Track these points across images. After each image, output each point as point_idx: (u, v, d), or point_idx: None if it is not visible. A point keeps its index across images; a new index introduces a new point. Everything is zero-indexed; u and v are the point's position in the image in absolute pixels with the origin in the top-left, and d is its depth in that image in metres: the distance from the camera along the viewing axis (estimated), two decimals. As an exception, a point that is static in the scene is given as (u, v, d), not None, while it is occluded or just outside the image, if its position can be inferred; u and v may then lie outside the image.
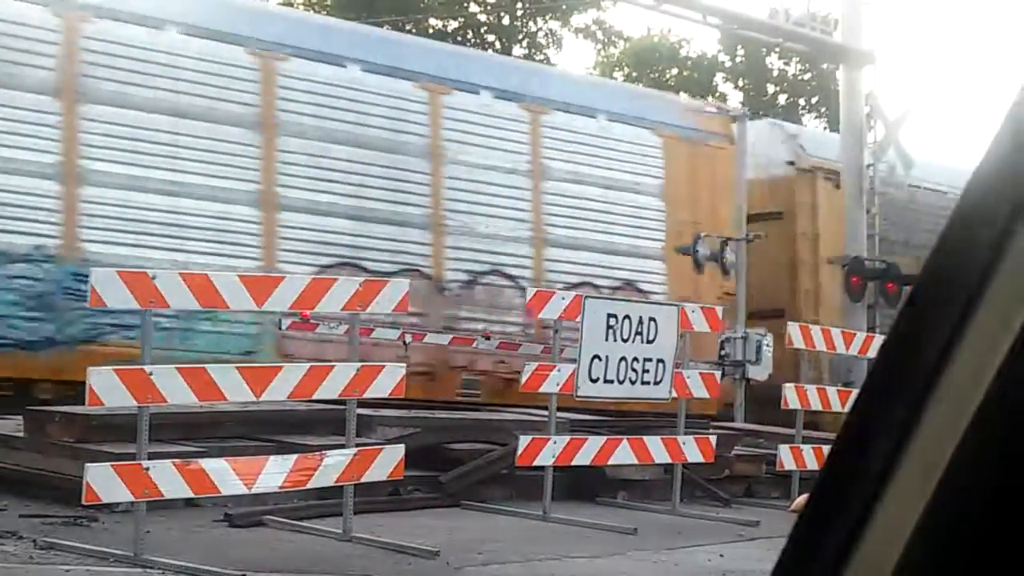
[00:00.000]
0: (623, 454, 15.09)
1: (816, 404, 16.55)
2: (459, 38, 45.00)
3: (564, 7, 46.85)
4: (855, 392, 1.47)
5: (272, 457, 11.83)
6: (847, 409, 1.52)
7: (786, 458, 16.11)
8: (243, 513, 12.81)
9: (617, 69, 51.09)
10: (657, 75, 50.87)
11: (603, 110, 22.37)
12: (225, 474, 11.17)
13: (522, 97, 21.79)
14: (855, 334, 18.41)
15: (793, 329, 16.99)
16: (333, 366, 12.24)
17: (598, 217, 21.90)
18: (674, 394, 15.27)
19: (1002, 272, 1.39)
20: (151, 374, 10.64)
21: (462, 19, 46.96)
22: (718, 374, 17.17)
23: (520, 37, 48.29)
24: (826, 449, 15.05)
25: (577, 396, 14.57)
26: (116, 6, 17.85)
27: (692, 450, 15.56)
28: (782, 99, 52.38)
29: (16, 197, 16.99)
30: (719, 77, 52.62)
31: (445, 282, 20.47)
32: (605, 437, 15.22)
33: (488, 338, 21.23)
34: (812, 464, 15.97)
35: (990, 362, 1.38)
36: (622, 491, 16.32)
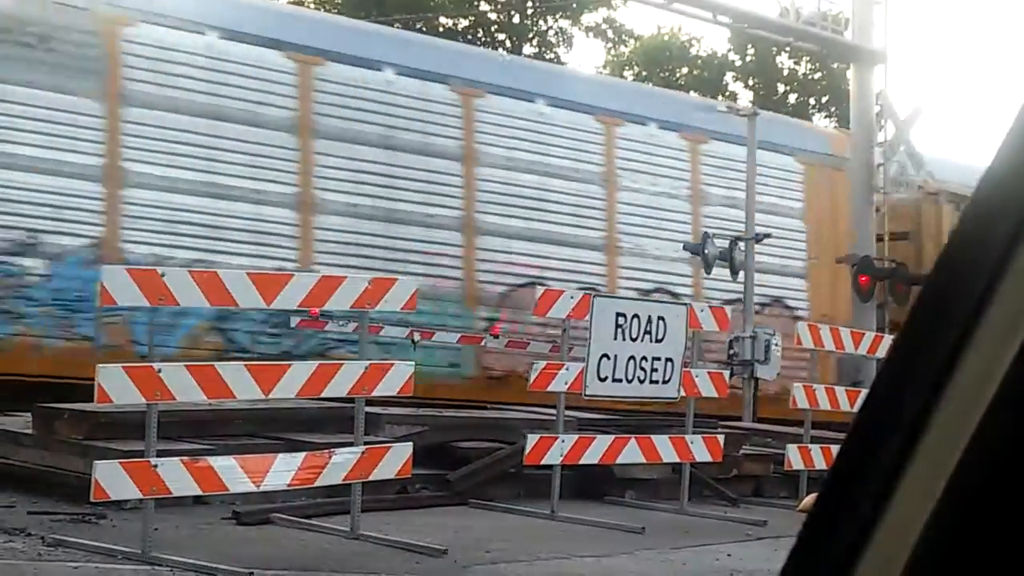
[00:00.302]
0: (631, 453, 15.08)
1: (825, 404, 16.53)
2: (469, 36, 45.01)
3: (575, 5, 46.86)
4: (864, 392, 1.46)
5: (280, 455, 11.83)
6: (856, 409, 1.52)
7: (794, 458, 16.10)
8: (251, 511, 12.82)
9: (627, 68, 51.07)
10: (667, 74, 50.85)
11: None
12: (233, 472, 11.18)
13: (683, 127, 24.15)
14: (864, 334, 18.40)
15: (802, 329, 17.01)
16: (341, 364, 12.25)
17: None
18: (683, 393, 15.26)
19: (1012, 272, 1.39)
20: (160, 371, 10.64)
21: (472, 17, 46.98)
22: (726, 373, 17.16)
23: (530, 35, 48.30)
24: (834, 449, 15.08)
25: (585, 395, 14.56)
26: (341, 49, 20.64)
27: (700, 449, 15.55)
28: (792, 98, 52.34)
29: (266, 225, 19.56)
30: (729, 76, 52.58)
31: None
32: (613, 436, 15.21)
33: (496, 336, 21.27)
34: (820, 464, 15.96)
35: (1000, 362, 1.37)
36: (630, 490, 16.32)
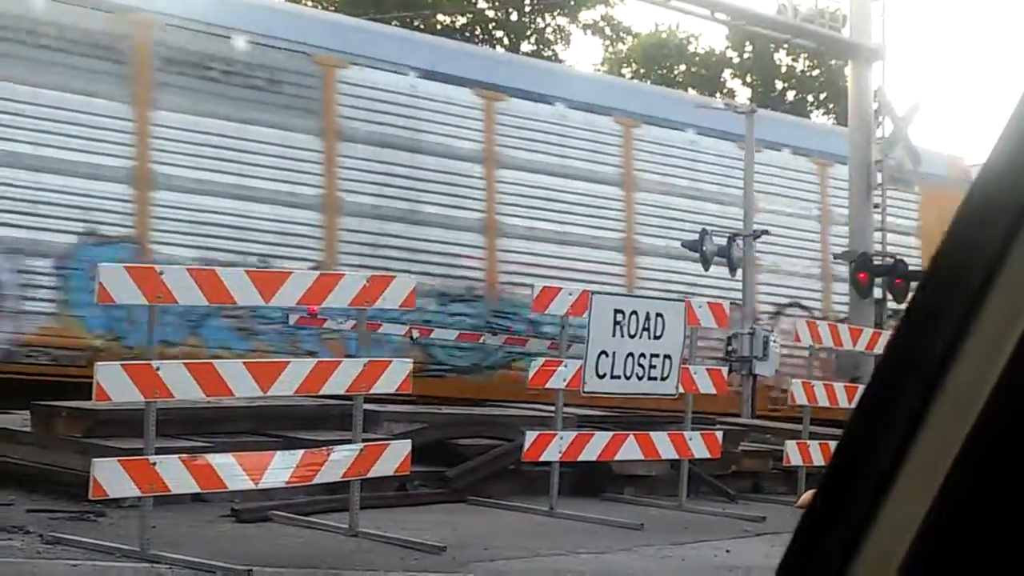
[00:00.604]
0: (630, 450, 15.09)
1: (823, 400, 16.53)
2: (467, 34, 45.00)
3: (573, 3, 46.84)
4: (862, 388, 1.46)
5: (279, 452, 11.84)
6: (854, 405, 1.52)
7: (793, 454, 16.10)
8: (250, 508, 12.82)
9: (625, 65, 51.05)
10: (665, 71, 50.84)
11: None
12: (232, 469, 11.18)
13: (812, 152, 26.62)
14: (862, 330, 18.41)
15: (800, 326, 17.04)
16: (340, 361, 12.25)
17: None
18: (681, 390, 15.26)
19: (1009, 269, 1.39)
20: (158, 369, 10.64)
21: (470, 15, 46.95)
22: (725, 370, 17.17)
23: (528, 33, 48.28)
24: (832, 445, 15.12)
25: (584, 392, 14.57)
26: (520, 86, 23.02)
27: (699, 446, 15.56)
28: (790, 95, 52.32)
29: (458, 248, 21.99)
30: (727, 73, 52.56)
31: (758, 313, 23.86)
32: (612, 433, 15.22)
33: (495, 334, 21.32)
34: (819, 460, 15.95)
35: (996, 358, 1.37)
36: (629, 487, 16.32)
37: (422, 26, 39.45)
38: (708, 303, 16.23)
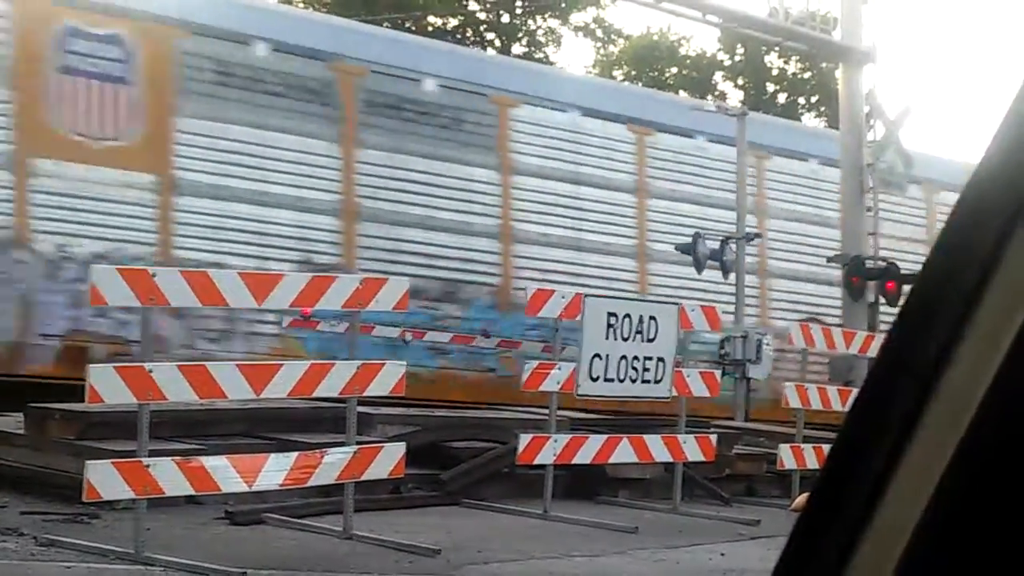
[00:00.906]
0: (624, 453, 15.09)
1: (817, 403, 16.55)
2: (458, 36, 44.99)
3: (563, 5, 46.85)
4: (856, 391, 1.47)
5: (273, 455, 11.83)
6: (848, 408, 1.53)
7: (787, 457, 16.11)
8: (244, 511, 12.81)
9: (616, 67, 51.07)
10: (657, 73, 50.86)
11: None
12: (226, 472, 11.17)
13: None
14: (855, 333, 18.43)
15: (794, 329, 17.06)
16: (333, 364, 12.25)
17: None
18: (674, 393, 15.27)
19: (1002, 271, 1.40)
20: (151, 371, 10.64)
21: (462, 17, 46.95)
22: (718, 373, 17.18)
23: (519, 35, 48.28)
24: (827, 448, 15.05)
25: (578, 394, 14.57)
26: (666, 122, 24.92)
27: (693, 449, 15.56)
28: (782, 98, 52.36)
29: (615, 273, 23.53)
30: (718, 75, 52.61)
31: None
32: (606, 436, 15.22)
33: (487, 336, 21.33)
34: (813, 463, 15.97)
35: (990, 361, 1.38)
36: (623, 490, 16.32)
37: (413, 27, 39.42)
38: (701, 306, 16.25)
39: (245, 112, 20.36)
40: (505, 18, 48.02)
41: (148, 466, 10.65)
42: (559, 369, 14.32)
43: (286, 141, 20.75)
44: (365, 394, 12.23)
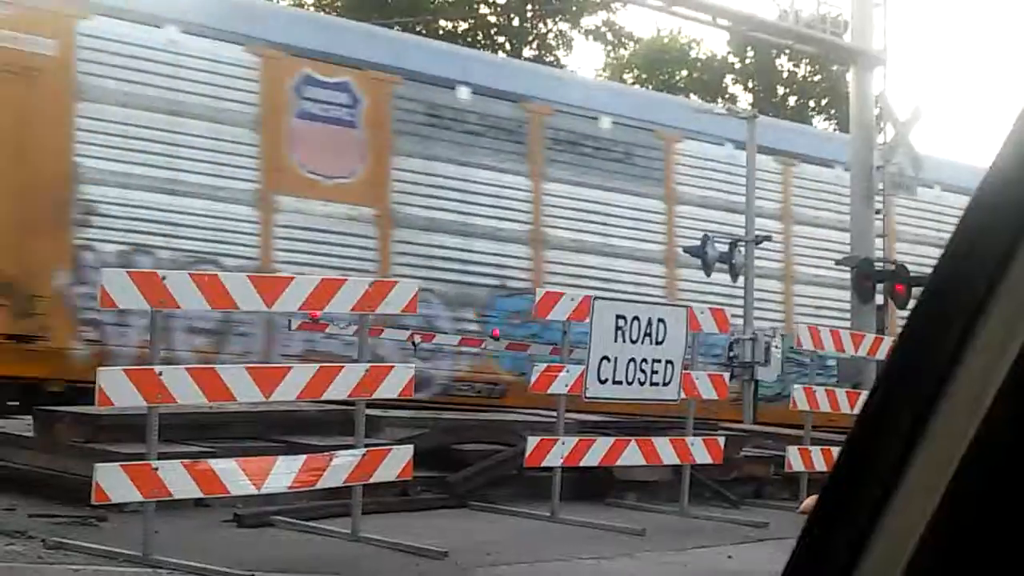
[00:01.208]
0: (631, 455, 15.08)
1: (825, 406, 16.52)
2: (469, 39, 45.01)
3: (574, 8, 46.85)
4: (865, 393, 1.46)
5: (281, 457, 11.84)
6: (857, 411, 1.52)
7: (795, 459, 16.08)
8: (252, 513, 12.82)
9: (627, 71, 51.07)
10: (667, 77, 50.86)
11: None
12: (234, 474, 11.18)
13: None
14: (864, 336, 18.40)
15: (802, 331, 17.03)
16: (342, 366, 12.26)
17: None
18: (683, 395, 15.26)
19: (1013, 275, 1.39)
20: (161, 374, 10.64)
21: (472, 20, 46.96)
22: (727, 375, 17.16)
23: (530, 39, 48.30)
24: (835, 451, 15.01)
25: (586, 397, 14.56)
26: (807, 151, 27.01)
27: (700, 451, 15.55)
28: (792, 101, 52.34)
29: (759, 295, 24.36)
30: (729, 79, 52.60)
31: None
32: (613, 438, 15.21)
33: (496, 338, 21.33)
34: (821, 466, 15.94)
35: (1001, 364, 1.38)
36: (630, 492, 16.31)
37: (423, 31, 39.45)
38: (710, 308, 16.24)
39: (450, 150, 22.34)
40: (516, 21, 48.03)
41: (156, 469, 10.65)
42: (567, 372, 14.31)
43: (484, 176, 22.77)
44: (373, 397, 12.23)
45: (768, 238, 23.54)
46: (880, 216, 25.15)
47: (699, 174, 25.35)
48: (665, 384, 14.88)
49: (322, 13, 39.78)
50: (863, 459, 1.48)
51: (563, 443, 14.34)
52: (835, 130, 44.63)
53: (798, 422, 16.76)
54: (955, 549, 1.40)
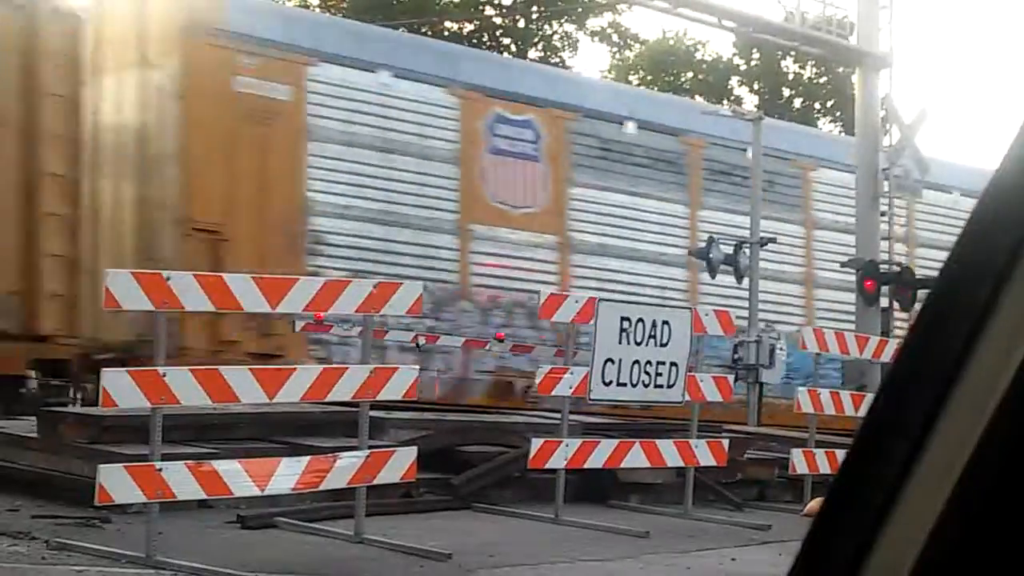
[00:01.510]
0: (635, 457, 15.07)
1: (830, 408, 16.50)
2: (474, 41, 45.03)
3: (580, 10, 46.87)
4: (870, 396, 1.46)
5: (285, 459, 11.84)
6: (863, 413, 1.51)
7: (799, 462, 16.07)
8: (255, 515, 12.82)
9: (632, 72, 51.09)
10: (672, 78, 50.88)
11: None
12: (238, 475, 11.18)
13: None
14: (868, 338, 18.39)
15: (807, 333, 17.02)
16: (346, 368, 12.26)
17: None
18: (687, 398, 15.25)
19: (1019, 277, 1.39)
20: (164, 375, 10.64)
21: (478, 22, 46.99)
22: (731, 377, 17.16)
23: (535, 40, 48.32)
24: (839, 453, 15.00)
25: (590, 399, 14.56)
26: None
27: (704, 454, 15.54)
28: (797, 103, 52.36)
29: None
30: (734, 80, 52.63)
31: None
32: (617, 440, 15.20)
33: (501, 340, 21.34)
34: (824, 468, 15.93)
35: (1007, 366, 1.37)
36: (634, 494, 16.30)
37: (429, 32, 39.45)
38: (715, 310, 16.24)
39: (619, 181, 23.91)
40: (521, 23, 48.06)
41: (160, 470, 10.65)
42: (571, 374, 14.31)
43: (649, 204, 24.47)
44: (377, 398, 12.23)
45: (773, 240, 23.52)
46: (885, 219, 25.14)
47: (833, 200, 26.88)
48: (669, 386, 14.87)
49: (328, 14, 39.79)
50: (869, 461, 1.47)
51: (567, 445, 14.33)
52: (840, 132, 44.66)
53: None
54: (961, 552, 1.39)
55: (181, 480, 10.78)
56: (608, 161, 23.91)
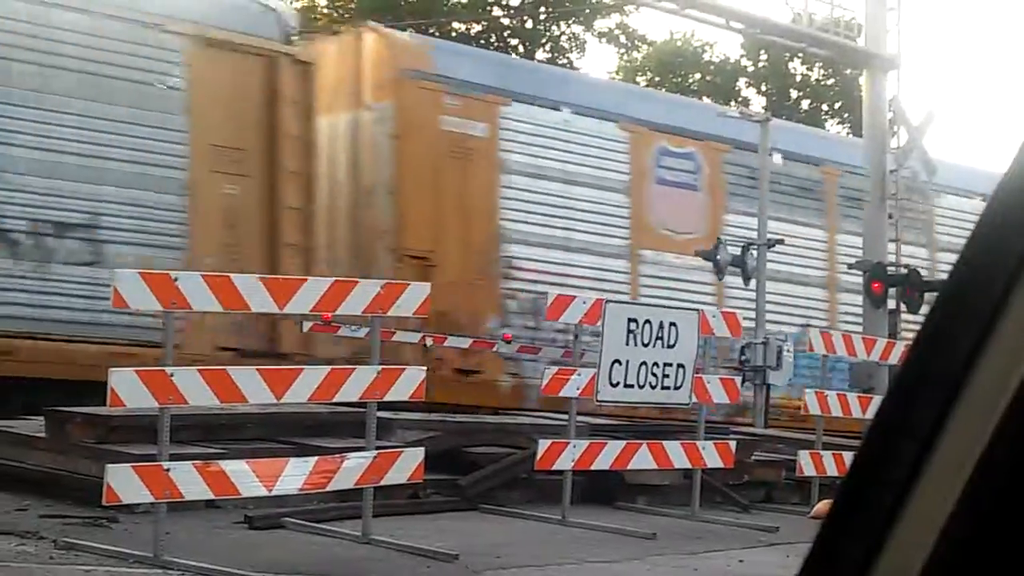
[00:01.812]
0: (643, 459, 15.07)
1: (837, 410, 16.50)
2: (482, 41, 45.02)
3: (587, 11, 46.84)
4: (878, 398, 1.46)
5: (292, 459, 11.85)
6: (871, 415, 1.51)
7: (806, 464, 16.06)
8: (263, 515, 12.82)
9: (640, 74, 51.06)
10: (680, 80, 50.84)
11: None
12: (245, 476, 11.18)
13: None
14: (876, 340, 18.37)
15: (814, 335, 17.02)
16: (354, 368, 12.26)
17: None
18: (694, 399, 15.24)
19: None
20: (172, 375, 10.65)
21: (486, 23, 46.98)
22: (738, 379, 17.15)
23: (543, 41, 48.31)
24: (846, 455, 14.99)
25: (597, 400, 14.55)
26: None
27: (712, 455, 15.53)
28: (805, 104, 52.30)
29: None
30: (742, 82, 52.56)
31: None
32: (624, 441, 15.20)
33: (508, 341, 21.34)
34: (832, 470, 15.92)
35: (1016, 367, 1.37)
36: (641, 496, 16.30)
37: (437, 32, 39.44)
38: (722, 312, 16.24)
39: (768, 208, 24.33)
40: (529, 24, 48.04)
41: (168, 470, 10.66)
42: (579, 375, 14.31)
43: (794, 230, 25.53)
44: (385, 399, 12.24)
45: (780, 241, 23.53)
46: (892, 221, 25.13)
47: (954, 224, 27.35)
48: (676, 388, 14.87)
49: (335, 14, 39.79)
50: (878, 463, 1.47)
51: (574, 446, 14.34)
52: (848, 134, 44.63)
53: None
54: (970, 554, 1.40)
55: (189, 480, 10.79)
56: (757, 189, 24.68)
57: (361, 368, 12.24)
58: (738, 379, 17.61)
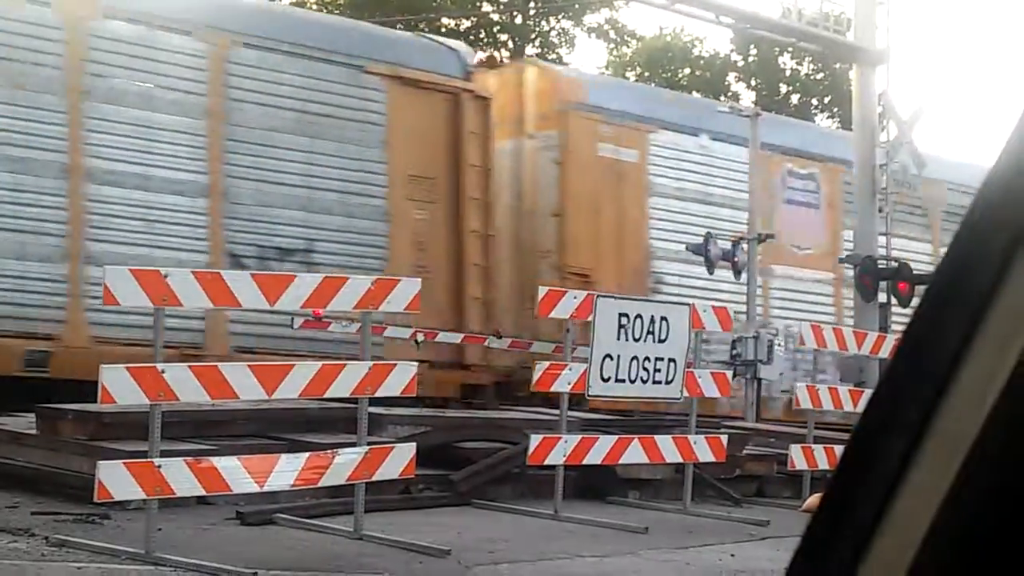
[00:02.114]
0: (634, 453, 15.07)
1: (828, 404, 16.53)
2: (471, 37, 44.98)
3: (577, 6, 46.83)
4: (868, 392, 1.46)
5: (284, 455, 11.83)
6: (861, 409, 1.52)
7: (797, 458, 16.09)
8: (255, 511, 12.82)
9: (629, 69, 51.05)
10: (669, 75, 50.84)
11: None
12: (237, 472, 11.17)
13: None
14: (867, 334, 18.40)
15: (805, 329, 17.04)
16: (344, 364, 12.26)
17: None
18: (686, 394, 15.25)
19: (1016, 273, 1.40)
20: (163, 372, 10.65)
21: (475, 18, 46.94)
22: (729, 373, 17.16)
23: (533, 36, 48.28)
24: (837, 449, 15.02)
25: (589, 395, 14.55)
26: None
27: (703, 449, 15.54)
28: (795, 99, 52.33)
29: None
30: (731, 76, 52.58)
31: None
32: (616, 436, 15.20)
33: (499, 336, 21.34)
34: (823, 464, 15.95)
35: (1005, 361, 1.38)
36: (633, 490, 16.31)
37: (426, 28, 39.39)
38: (712, 307, 16.24)
39: (880, 225, 25.42)
40: (518, 19, 48.01)
41: (159, 466, 10.65)
42: (570, 370, 14.31)
43: (904, 244, 26.81)
44: (376, 395, 12.23)
45: (771, 236, 23.56)
46: (883, 214, 25.16)
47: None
48: (668, 382, 14.87)
49: (324, 12, 39.75)
50: (867, 457, 1.48)
51: (566, 441, 14.34)
52: (837, 128, 44.66)
53: None
54: (959, 548, 1.40)
55: (180, 477, 10.79)
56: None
57: (352, 364, 12.23)
58: (729, 373, 17.60)
